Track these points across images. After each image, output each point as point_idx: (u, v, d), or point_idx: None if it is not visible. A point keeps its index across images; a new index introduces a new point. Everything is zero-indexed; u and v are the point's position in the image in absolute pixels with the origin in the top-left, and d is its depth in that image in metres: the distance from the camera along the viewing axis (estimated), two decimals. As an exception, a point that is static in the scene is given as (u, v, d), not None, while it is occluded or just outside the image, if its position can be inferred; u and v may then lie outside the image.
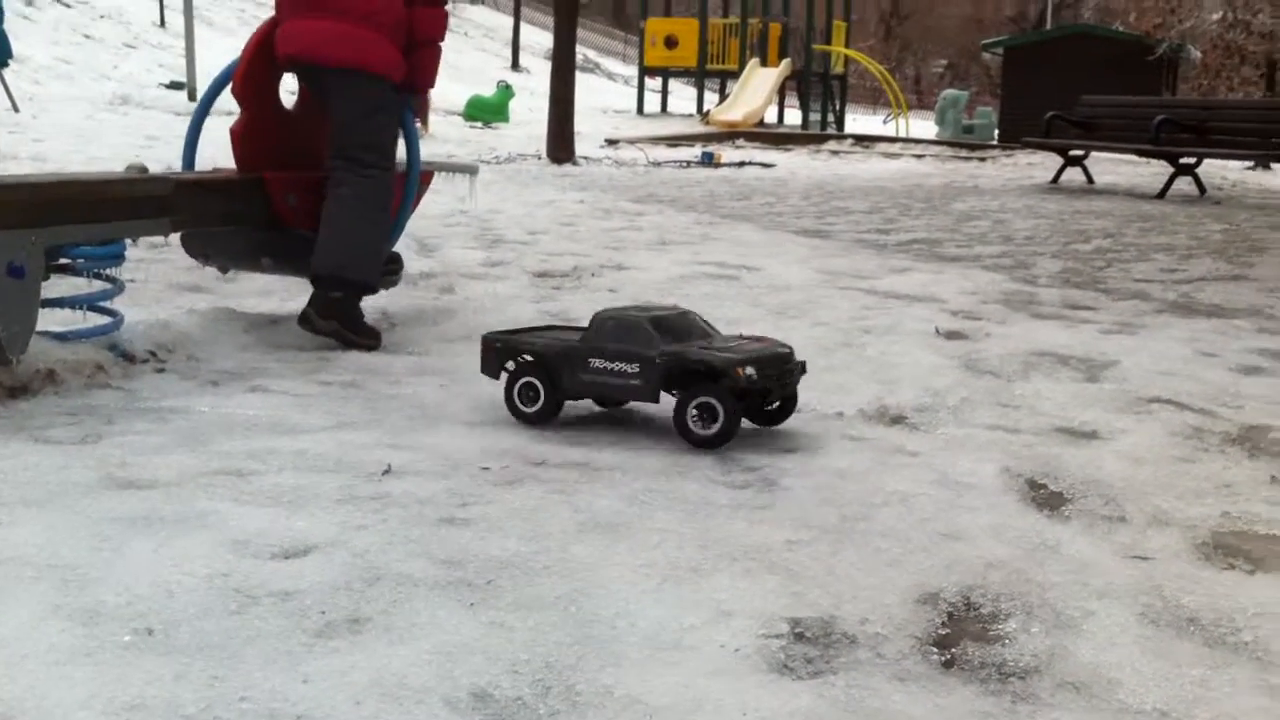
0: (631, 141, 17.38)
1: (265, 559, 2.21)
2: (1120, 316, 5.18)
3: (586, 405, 3.43)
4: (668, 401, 3.16)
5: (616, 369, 3.11)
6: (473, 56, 33.02)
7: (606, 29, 50.55)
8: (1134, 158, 14.79)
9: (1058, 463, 3.04)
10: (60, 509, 2.44)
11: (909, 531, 2.51)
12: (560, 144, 13.66)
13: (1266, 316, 5.27)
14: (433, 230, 6.95)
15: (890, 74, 31.77)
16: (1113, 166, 15.55)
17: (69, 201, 3.50)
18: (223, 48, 18.67)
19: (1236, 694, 1.87)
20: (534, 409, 3.23)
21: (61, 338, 3.56)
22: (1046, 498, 2.80)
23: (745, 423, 3.17)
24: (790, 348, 3.23)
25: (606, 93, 32.70)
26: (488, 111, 20.13)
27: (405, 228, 4.57)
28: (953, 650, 1.99)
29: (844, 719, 1.76)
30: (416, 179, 4.46)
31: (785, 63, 25.28)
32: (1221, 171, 15.28)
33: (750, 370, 2.99)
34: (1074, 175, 13.63)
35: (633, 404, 3.38)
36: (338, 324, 4.08)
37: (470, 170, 5.18)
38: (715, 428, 3.01)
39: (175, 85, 20.33)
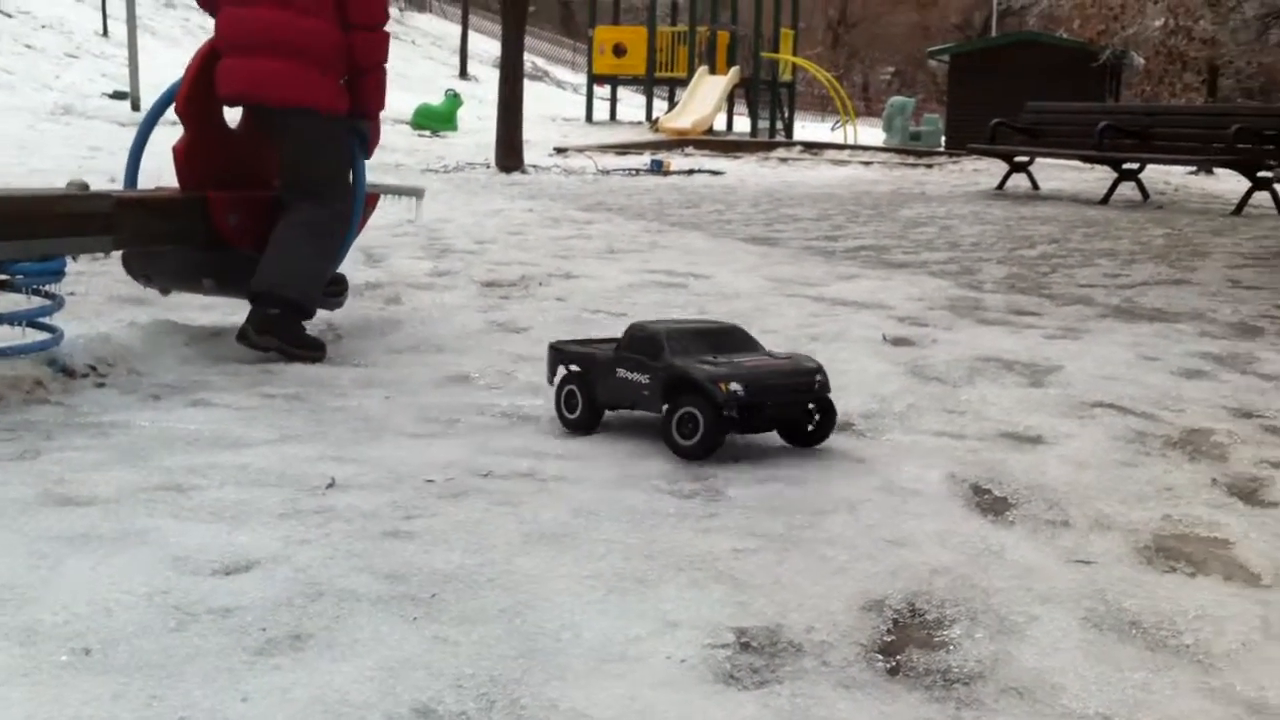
0: (580, 149, 17.38)
1: (205, 575, 2.18)
2: (1064, 322, 5.23)
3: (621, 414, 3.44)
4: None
5: (633, 380, 3.17)
6: (420, 65, 32.90)
7: (555, 37, 50.53)
8: (1078, 163, 14.97)
9: (1002, 468, 3.06)
10: (-4, 527, 2.40)
11: (855, 539, 2.52)
12: (509, 152, 13.64)
13: (1208, 320, 5.33)
14: (380, 240, 6.91)
15: (838, 81, 31.95)
16: (1057, 172, 15.71)
17: (8, 219, 3.45)
18: (167, 58, 18.53)
19: (1178, 697, 1.89)
20: (574, 416, 3.33)
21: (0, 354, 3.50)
22: (991, 503, 2.82)
23: (780, 442, 3.20)
24: (813, 367, 3.19)
25: (555, 101, 32.70)
26: (435, 120, 20.06)
27: (349, 250, 4.53)
28: (898, 657, 2.00)
29: (789, 729, 1.76)
30: (361, 203, 4.43)
31: (734, 70, 25.37)
32: (1165, 177, 15.48)
33: (736, 386, 2.98)
34: (1019, 181, 13.76)
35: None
36: (276, 340, 4.05)
37: (415, 193, 5.17)
38: (695, 438, 3.01)
39: (118, 95, 20.12)
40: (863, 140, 24.57)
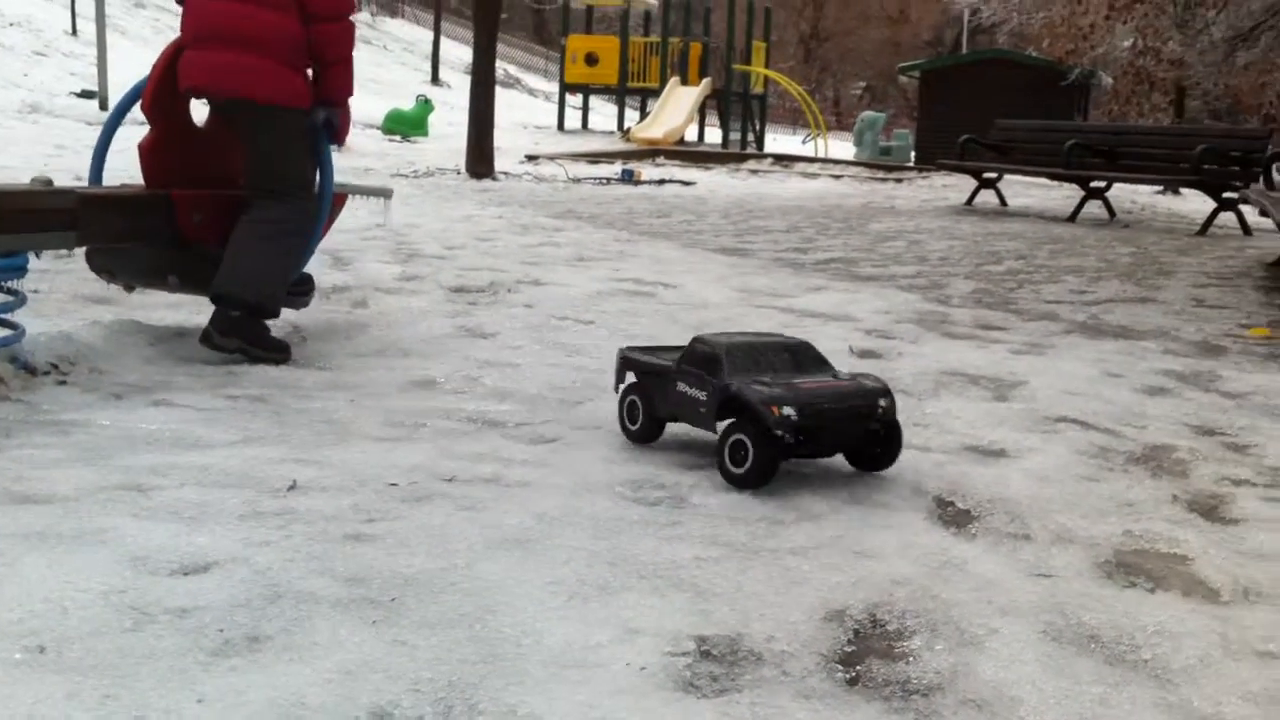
0: (551, 157, 17.36)
1: (163, 575, 2.16)
2: (1030, 337, 5.26)
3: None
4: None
5: (691, 395, 3.07)
6: (392, 70, 32.82)
7: (527, 45, 50.51)
8: (1046, 181, 15.07)
9: (966, 481, 3.07)
10: (-49, 525, 2.37)
11: (818, 549, 2.52)
12: (479, 159, 13.61)
13: (1172, 338, 5.37)
14: (348, 244, 6.88)
15: (809, 95, 32.07)
16: (1025, 189, 15.82)
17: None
18: (137, 57, 18.40)
19: (1136, 712, 1.90)
20: (635, 427, 3.27)
21: (-41, 349, 3.47)
22: (954, 515, 2.83)
23: (847, 465, 3.07)
24: (878, 389, 3.02)
25: (527, 108, 32.66)
26: (406, 125, 20.00)
27: (316, 250, 4.50)
28: (858, 668, 2.00)
29: (748, 737, 1.75)
30: (329, 202, 4.40)
31: (706, 82, 25.41)
32: (1132, 195, 15.60)
33: (789, 410, 2.82)
34: (988, 197, 13.84)
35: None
36: (240, 341, 4.01)
37: (384, 193, 5.14)
38: (746, 466, 2.86)
39: (87, 94, 19.96)
40: (833, 154, 24.69)
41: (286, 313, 4.38)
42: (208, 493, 2.64)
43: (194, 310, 4.65)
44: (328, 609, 2.06)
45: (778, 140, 31.81)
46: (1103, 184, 12.60)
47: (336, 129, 4.29)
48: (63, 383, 3.62)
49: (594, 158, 18.35)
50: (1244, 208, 11.16)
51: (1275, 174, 11.36)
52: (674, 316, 5.31)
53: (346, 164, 13.03)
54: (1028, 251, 8.97)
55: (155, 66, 4.19)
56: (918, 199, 14.83)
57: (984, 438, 3.52)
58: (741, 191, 14.58)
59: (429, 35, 34.54)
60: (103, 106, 18.07)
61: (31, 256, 3.70)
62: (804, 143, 29.62)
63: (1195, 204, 14.22)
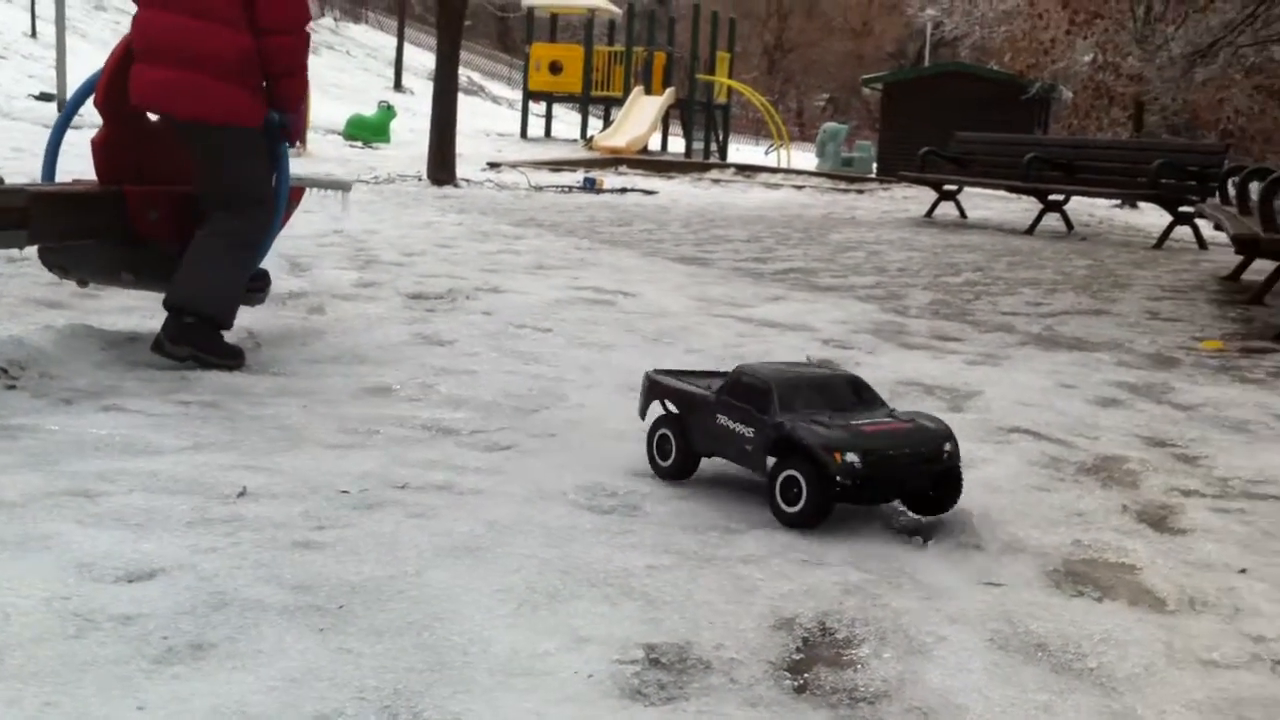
0: (514, 165, 17.34)
1: (108, 582, 2.14)
2: (986, 348, 5.29)
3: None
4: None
5: (736, 431, 2.88)
6: (355, 76, 32.72)
7: (491, 52, 50.44)
8: (1005, 194, 15.17)
9: (918, 490, 3.07)
10: (-108, 530, 2.34)
11: (769, 557, 2.52)
12: (441, 166, 13.57)
13: (1126, 350, 5.42)
14: (305, 250, 6.84)
15: (773, 105, 32.19)
16: (985, 202, 15.92)
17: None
18: (96, 61, 18.23)
19: (1079, 719, 1.91)
20: (667, 463, 3.05)
21: (-95, 352, 3.42)
22: (906, 525, 2.84)
23: (906, 512, 2.89)
24: (942, 432, 2.85)
25: (490, 116, 32.63)
26: (368, 131, 19.92)
27: (271, 248, 4.47)
28: (805, 675, 2.00)
29: (694, 745, 1.75)
30: (285, 198, 4.37)
31: (669, 91, 25.46)
32: (1090, 209, 15.73)
33: (852, 457, 2.65)
34: (948, 209, 13.93)
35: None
36: (191, 349, 3.97)
37: (343, 187, 5.10)
38: (799, 506, 2.70)
39: (45, 97, 19.78)
40: (796, 164, 24.76)
41: (241, 316, 4.35)
42: (156, 499, 2.62)
43: (147, 315, 4.61)
44: (274, 616, 2.04)
45: (740, 150, 31.91)
46: (1061, 197, 12.71)
47: (288, 129, 4.23)
48: (12, 387, 3.58)
49: (556, 166, 18.34)
50: (1200, 222, 11.28)
51: (1231, 189, 11.49)
52: (632, 325, 5.31)
53: (307, 169, 12.97)
54: (986, 263, 9.03)
55: (108, 62, 4.16)
56: (878, 210, 14.90)
57: (938, 448, 3.53)
58: (703, 201, 14.61)
59: (392, 41, 34.45)
60: (61, 109, 17.89)
61: (-19, 259, 3.66)
62: (766, 153, 29.72)
63: (1152, 218, 14.37)
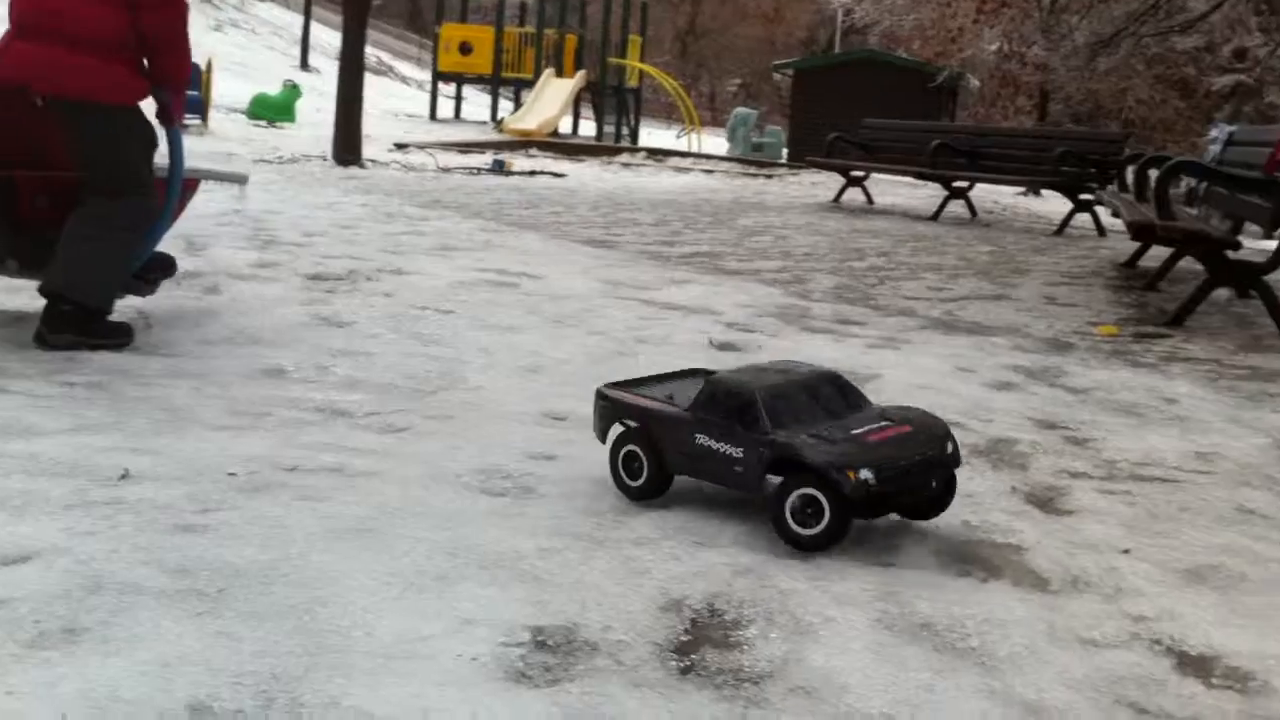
0: (422, 146, 17.18)
1: (-21, 568, 2.08)
2: (886, 332, 5.34)
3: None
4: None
5: (720, 451, 2.63)
6: (260, 54, 32.12)
7: (401, 32, 49.85)
8: (912, 180, 15.34)
9: (813, 472, 3.09)
10: None
11: (662, 539, 2.52)
12: (347, 146, 13.39)
13: (1022, 335, 5.50)
14: (203, 229, 6.71)
15: (685, 90, 32.22)
16: (892, 188, 16.09)
17: None
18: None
19: (960, 698, 1.93)
20: (638, 483, 2.77)
21: None
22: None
23: (893, 517, 2.72)
24: (943, 433, 2.71)
25: (399, 97, 32.25)
26: (272, 110, 19.58)
27: (164, 236, 4.34)
28: (692, 656, 2.00)
29: (576, 727, 1.74)
30: (178, 190, 4.25)
31: (580, 74, 25.40)
32: (994, 196, 15.96)
33: (866, 474, 2.46)
34: (855, 195, 14.04)
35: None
36: (73, 336, 3.86)
37: (239, 179, 4.99)
38: (818, 529, 2.49)
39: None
40: (707, 149, 24.84)
41: (134, 299, 4.26)
42: (34, 481, 2.55)
43: (34, 294, 4.49)
44: (150, 601, 2.00)
45: (652, 135, 31.90)
46: (965, 184, 12.87)
47: (169, 110, 4.10)
48: (-112, 367, 3.47)
49: (465, 147, 18.20)
50: (1099, 209, 11.49)
51: (1129, 177, 11.72)
52: (535, 307, 5.28)
53: (209, 149, 12.74)
54: (890, 249, 9.11)
55: None
56: (787, 195, 14.99)
57: (834, 430, 3.55)
58: (612, 185, 14.58)
59: (299, 19, 33.88)
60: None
61: None
62: (678, 138, 29.76)
63: (1055, 205, 14.61)
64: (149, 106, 4.01)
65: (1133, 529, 2.82)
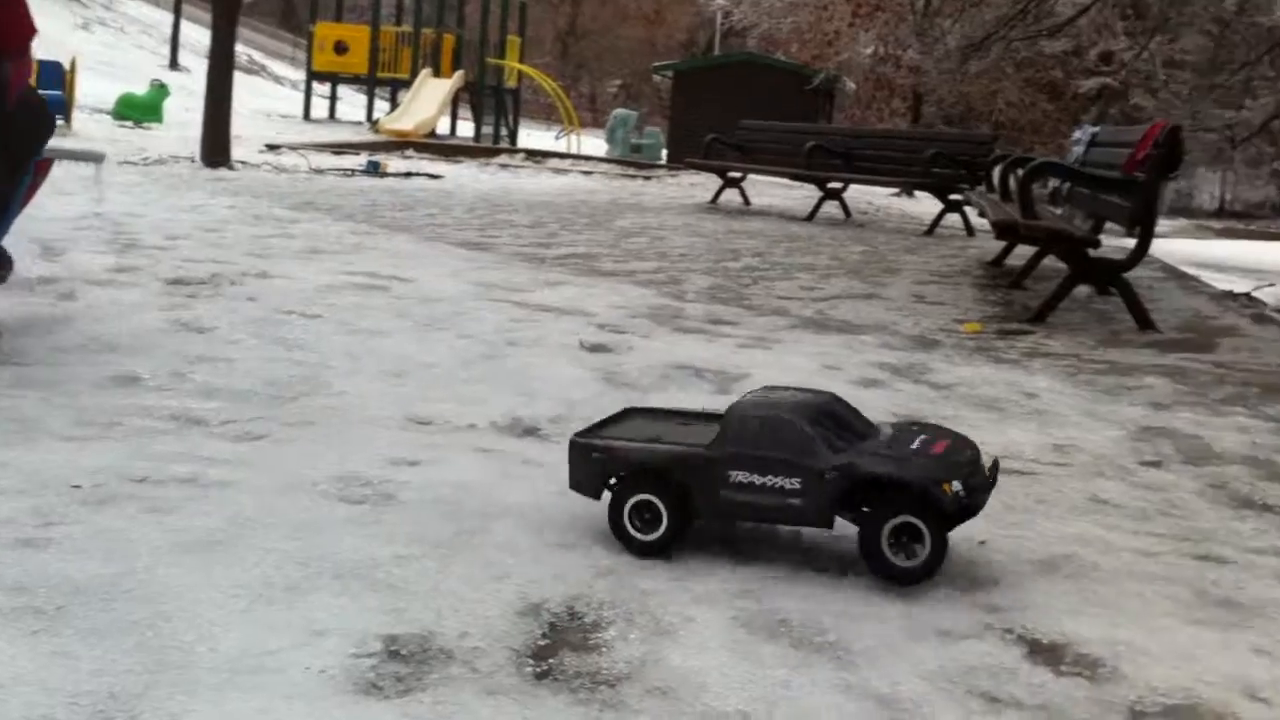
0: (294, 147, 16.89)
1: None
2: (758, 331, 5.37)
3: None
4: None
5: (770, 484, 2.43)
6: (129, 53, 31.38)
7: (275, 30, 49.02)
8: (788, 181, 15.51)
9: (679, 472, 3.08)
10: None
11: (523, 543, 2.50)
12: (215, 147, 13.10)
13: (890, 333, 5.58)
14: (59, 233, 6.50)
15: (564, 91, 32.19)
16: (769, 189, 16.24)
17: None
18: None
19: (815, 692, 1.94)
20: (654, 536, 2.48)
21: None
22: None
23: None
24: (968, 439, 2.63)
25: (272, 97, 31.71)
26: (139, 110, 19.08)
27: (13, 230, 4.19)
28: (549, 661, 1.98)
29: (426, 737, 1.71)
30: (29, 171, 4.10)
31: (458, 74, 25.22)
32: (869, 197, 16.21)
33: (957, 486, 2.35)
34: (733, 196, 14.15)
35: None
36: None
37: (94, 158, 4.81)
38: (922, 558, 2.36)
39: None
40: (586, 150, 24.83)
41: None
42: None
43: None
44: (-17, 620, 1.92)
45: (532, 135, 31.81)
46: (839, 185, 13.04)
47: (5, 85, 3.86)
48: None
49: (339, 148, 17.94)
50: (968, 209, 11.72)
51: (995, 177, 11.99)
52: (404, 311, 5.21)
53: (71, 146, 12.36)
54: (765, 249, 9.19)
55: None
56: (665, 196, 15.05)
57: (702, 429, 3.56)
58: (489, 186, 14.50)
59: (169, 17, 33.12)
60: None
61: None
62: (557, 139, 29.72)
63: (927, 205, 14.87)
64: None
65: (988, 519, 2.85)
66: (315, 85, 27.07)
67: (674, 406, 3.04)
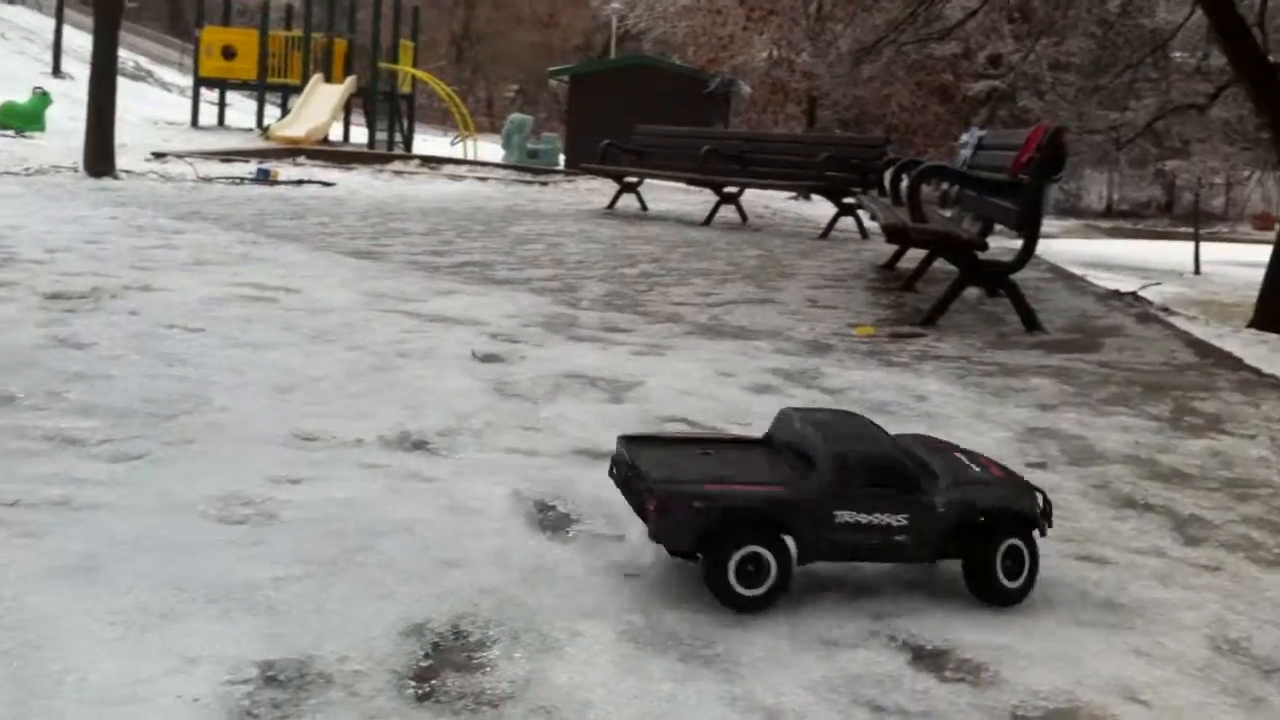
0: (181, 155, 16.55)
1: None
2: (653, 338, 5.37)
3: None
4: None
5: (875, 523, 2.39)
6: (9, 60, 30.50)
7: (161, 36, 48.00)
8: (685, 186, 15.56)
9: (570, 485, 3.07)
10: None
11: (408, 561, 2.46)
12: (99, 156, 12.78)
13: (784, 338, 5.61)
14: (-67, 247, 6.30)
15: (461, 96, 31.97)
16: (667, 194, 16.27)
17: None
18: None
19: (701, 705, 1.93)
20: (763, 590, 2.32)
21: None
22: (553, 520, 2.82)
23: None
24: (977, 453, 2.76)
25: (159, 103, 31.04)
26: (20, 119, 18.58)
27: None
28: (432, 682, 1.95)
29: (302, 767, 1.67)
30: None
31: (350, 80, 24.91)
32: (766, 201, 16.32)
33: (1041, 500, 2.54)
34: (630, 201, 14.15)
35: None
36: None
37: None
38: (1022, 579, 2.45)
39: None
40: (483, 156, 24.67)
41: None
42: None
43: None
44: None
45: (428, 141, 31.52)
46: (735, 189, 13.10)
47: None
48: None
49: (229, 156, 17.62)
50: (861, 212, 11.85)
51: (886, 180, 12.14)
52: (292, 323, 5.12)
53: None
54: (662, 254, 9.20)
55: None
56: (562, 202, 15.01)
57: (594, 440, 3.54)
58: (384, 193, 14.35)
59: (51, 23, 32.30)
60: None
61: None
62: (453, 144, 29.48)
63: (823, 209, 14.99)
64: None
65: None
66: (203, 91, 26.54)
67: (666, 433, 2.99)
